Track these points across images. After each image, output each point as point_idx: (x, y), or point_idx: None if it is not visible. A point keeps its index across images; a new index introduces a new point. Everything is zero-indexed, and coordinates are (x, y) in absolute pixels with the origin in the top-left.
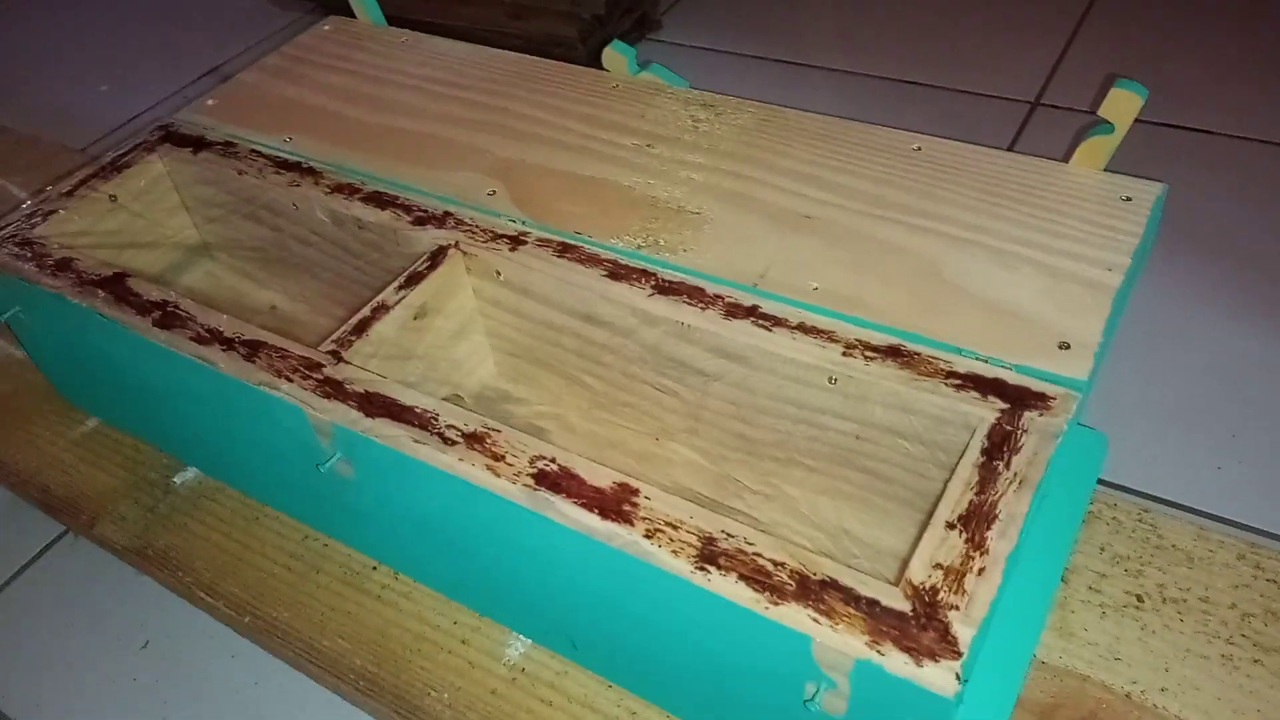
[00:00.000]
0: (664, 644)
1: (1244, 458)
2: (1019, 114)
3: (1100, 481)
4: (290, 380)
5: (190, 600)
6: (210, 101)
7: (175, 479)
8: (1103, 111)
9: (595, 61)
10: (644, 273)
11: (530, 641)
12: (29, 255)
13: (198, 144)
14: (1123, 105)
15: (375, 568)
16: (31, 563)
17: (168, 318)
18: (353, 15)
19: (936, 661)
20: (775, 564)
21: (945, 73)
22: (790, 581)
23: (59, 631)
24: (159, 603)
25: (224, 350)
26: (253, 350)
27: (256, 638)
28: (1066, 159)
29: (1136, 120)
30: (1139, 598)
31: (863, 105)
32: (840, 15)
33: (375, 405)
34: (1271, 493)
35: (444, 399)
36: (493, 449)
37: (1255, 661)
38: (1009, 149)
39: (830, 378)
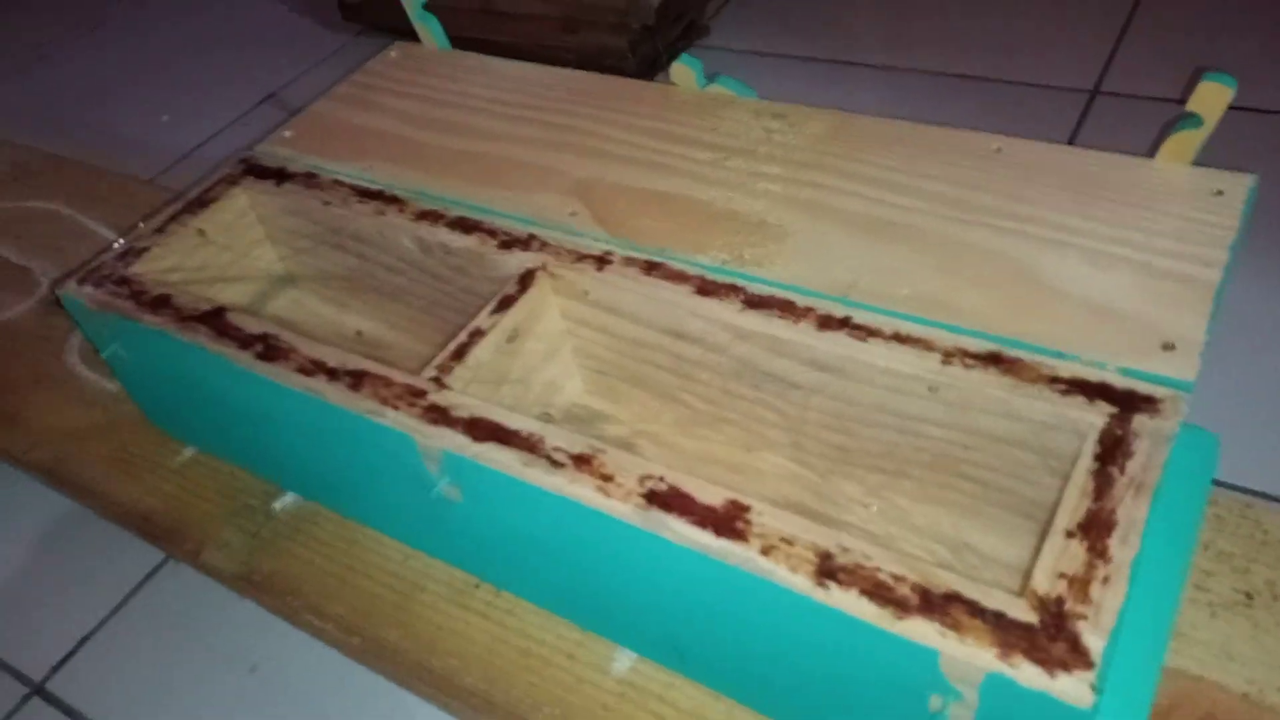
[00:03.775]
0: (778, 657)
1: None
2: (1078, 103)
3: None
4: (396, 408)
5: (297, 624)
6: (287, 133)
7: (275, 504)
8: (1191, 105)
9: (645, 71)
10: (732, 288)
11: (636, 654)
12: (127, 293)
13: (280, 176)
14: (1212, 98)
15: (478, 585)
16: (135, 592)
17: (270, 350)
18: (411, 39)
19: (1070, 673)
20: (896, 578)
21: (997, 64)
22: (913, 595)
23: (166, 659)
24: (263, 627)
25: (329, 380)
26: (357, 380)
27: (365, 659)
28: (1133, 148)
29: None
30: (1248, 595)
31: (914, 102)
32: (886, 10)
33: (481, 430)
34: None
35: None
36: (601, 470)
37: None
38: (1070, 140)
39: (930, 386)
